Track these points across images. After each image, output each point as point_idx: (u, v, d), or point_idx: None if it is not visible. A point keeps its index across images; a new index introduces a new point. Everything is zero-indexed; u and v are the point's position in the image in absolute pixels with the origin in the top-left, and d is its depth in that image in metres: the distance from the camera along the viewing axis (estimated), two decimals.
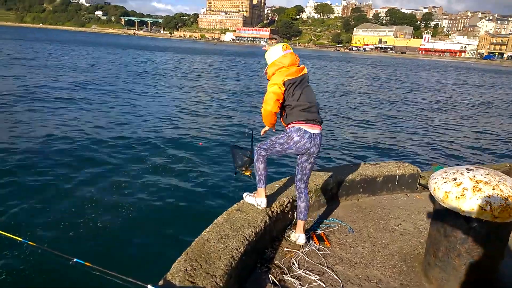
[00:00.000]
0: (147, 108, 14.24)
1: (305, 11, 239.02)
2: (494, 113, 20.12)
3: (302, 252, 2.98)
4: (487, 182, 2.44)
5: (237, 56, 63.44)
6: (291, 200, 3.35)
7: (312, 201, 3.70)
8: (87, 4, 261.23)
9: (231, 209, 2.99)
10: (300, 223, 3.10)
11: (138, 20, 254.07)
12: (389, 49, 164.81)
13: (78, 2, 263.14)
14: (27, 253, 4.32)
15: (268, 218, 2.95)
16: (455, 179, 2.54)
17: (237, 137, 10.59)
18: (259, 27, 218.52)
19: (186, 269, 2.12)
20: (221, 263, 2.23)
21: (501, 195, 2.35)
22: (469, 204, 2.39)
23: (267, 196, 3.12)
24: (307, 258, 2.91)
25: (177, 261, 2.21)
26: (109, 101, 14.76)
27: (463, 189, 2.45)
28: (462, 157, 10.61)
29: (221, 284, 2.07)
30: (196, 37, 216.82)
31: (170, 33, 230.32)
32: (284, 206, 3.27)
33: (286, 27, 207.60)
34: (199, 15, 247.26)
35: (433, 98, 24.10)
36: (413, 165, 4.72)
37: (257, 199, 3.09)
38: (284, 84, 2.85)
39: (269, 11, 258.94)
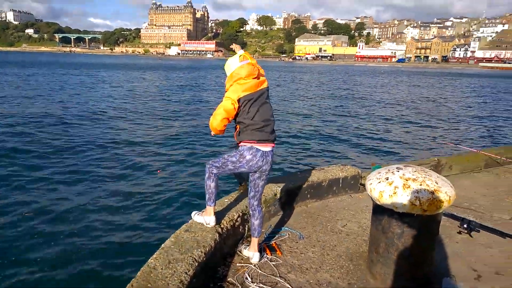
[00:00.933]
0: (93, 134, 13.64)
1: (248, 24, 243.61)
2: (423, 111, 21.70)
3: (254, 266, 3.01)
4: (415, 179, 2.64)
5: (185, 70, 63.00)
6: (241, 214, 3.38)
7: (262, 212, 3.77)
8: (16, 22, 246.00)
9: (179, 230, 2.96)
10: (254, 241, 3.07)
11: (75, 37, 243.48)
12: (328, 57, 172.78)
13: (5, 20, 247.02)
14: None
15: (218, 235, 2.96)
16: (387, 178, 2.73)
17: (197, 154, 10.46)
18: (205, 40, 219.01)
19: None
20: None
21: (427, 189, 2.56)
22: (401, 200, 2.57)
23: (216, 213, 3.13)
24: (260, 271, 2.95)
25: None
26: (50, 131, 13.95)
27: (394, 187, 2.63)
28: (397, 155, 11.37)
29: None
30: (140, 52, 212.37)
31: (111, 49, 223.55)
32: (234, 221, 3.29)
33: (231, 39, 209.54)
34: (141, 29, 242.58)
35: (368, 102, 25.49)
36: (354, 167, 4.96)
37: (205, 218, 3.04)
38: (239, 101, 2.79)
39: (213, 24, 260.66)
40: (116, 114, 17.64)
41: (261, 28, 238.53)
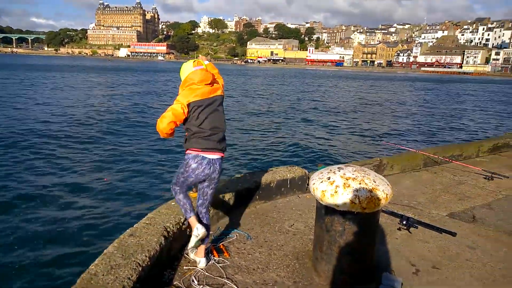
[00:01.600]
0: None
1: (200, 26, 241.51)
2: (367, 114, 22.86)
3: (201, 268, 2.99)
4: (354, 178, 2.78)
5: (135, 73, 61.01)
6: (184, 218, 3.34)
7: (211, 214, 3.75)
8: None
9: (123, 235, 2.86)
10: (202, 247, 3.01)
11: (16, 37, 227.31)
12: (280, 61, 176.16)
13: None
14: None
15: (164, 239, 2.90)
16: (329, 178, 2.84)
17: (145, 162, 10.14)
18: (155, 42, 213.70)
19: None
20: None
21: (366, 188, 2.70)
22: (342, 199, 2.69)
23: (161, 216, 3.06)
24: (206, 273, 2.93)
25: None
26: None
27: (336, 186, 2.75)
28: (343, 156, 11.90)
29: None
30: (87, 54, 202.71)
31: (56, 50, 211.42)
32: (181, 224, 3.25)
33: (183, 41, 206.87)
34: (88, 30, 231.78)
35: (316, 105, 26.36)
36: (301, 168, 5.09)
37: (193, 230, 2.87)
38: (188, 105, 2.75)
39: (164, 26, 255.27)
40: (58, 120, 16.69)
41: (213, 31, 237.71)
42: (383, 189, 2.72)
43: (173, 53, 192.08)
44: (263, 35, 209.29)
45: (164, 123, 2.73)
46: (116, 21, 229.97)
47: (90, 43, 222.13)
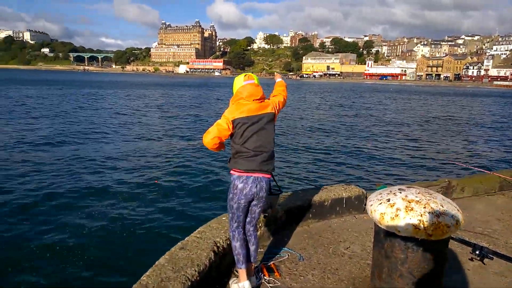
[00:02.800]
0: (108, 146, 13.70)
1: (255, 42, 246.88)
2: (433, 131, 21.46)
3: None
4: (418, 201, 2.54)
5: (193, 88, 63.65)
6: None
7: (261, 232, 3.67)
8: (32, 42, 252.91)
9: (174, 248, 2.87)
10: (250, 266, 2.91)
11: (88, 56, 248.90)
12: (336, 75, 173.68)
13: (22, 39, 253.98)
14: None
15: (213, 254, 2.86)
16: (388, 200, 2.62)
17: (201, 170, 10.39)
18: (212, 59, 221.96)
19: None
20: None
21: (432, 212, 2.45)
22: (404, 224, 2.46)
23: (212, 231, 3.03)
24: None
25: None
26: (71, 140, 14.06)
27: (396, 209, 2.53)
28: (405, 175, 11.11)
29: None
30: (150, 70, 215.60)
31: (123, 68, 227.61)
32: (231, 240, 3.19)
33: (239, 57, 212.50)
34: (151, 49, 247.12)
35: (377, 121, 25.34)
36: (358, 187, 4.84)
37: (239, 284, 2.79)
38: (233, 121, 2.65)
39: (220, 43, 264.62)
40: (119, 130, 17.76)
41: (268, 46, 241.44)
42: (452, 215, 2.45)
43: (229, 69, 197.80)
44: (319, 50, 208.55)
45: (208, 138, 2.67)
46: (177, 40, 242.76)
47: (153, 60, 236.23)
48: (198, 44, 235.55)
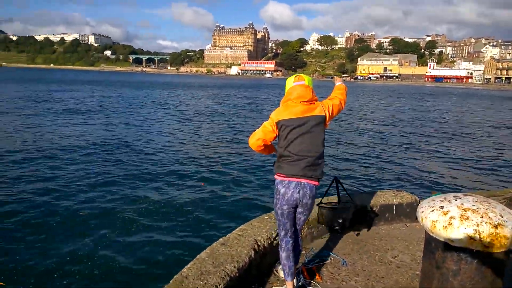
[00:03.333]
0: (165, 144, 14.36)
1: (308, 43, 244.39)
2: (503, 137, 19.75)
3: None
4: (475, 210, 2.34)
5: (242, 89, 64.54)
6: None
7: (304, 233, 3.60)
8: (96, 45, 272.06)
9: (216, 243, 2.91)
10: (290, 283, 2.78)
11: (146, 58, 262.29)
12: (394, 77, 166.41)
13: (87, 42, 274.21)
14: None
15: (254, 252, 2.86)
16: (442, 207, 2.45)
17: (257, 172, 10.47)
18: (264, 60, 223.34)
19: None
20: None
21: (490, 223, 2.24)
22: (457, 233, 2.28)
23: (254, 229, 3.03)
24: None
25: None
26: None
27: (450, 217, 2.35)
28: (464, 184, 10.32)
29: None
30: (202, 72, 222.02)
31: (177, 69, 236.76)
32: (272, 240, 3.17)
33: (291, 59, 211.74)
34: (204, 50, 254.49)
35: (437, 125, 23.87)
36: (411, 193, 4.59)
37: None
38: (277, 123, 2.57)
39: (273, 45, 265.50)
40: (171, 131, 18.45)
41: (322, 47, 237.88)
42: None
43: (280, 70, 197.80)
44: (376, 51, 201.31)
45: (253, 140, 2.64)
46: (230, 41, 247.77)
47: (206, 62, 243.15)
48: (251, 45, 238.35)
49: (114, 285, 4.76)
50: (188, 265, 2.56)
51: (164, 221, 6.82)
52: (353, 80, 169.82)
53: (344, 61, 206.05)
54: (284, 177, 2.55)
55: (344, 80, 3.16)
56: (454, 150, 15.32)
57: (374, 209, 4.20)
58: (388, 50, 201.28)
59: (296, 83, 2.67)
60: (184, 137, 16.06)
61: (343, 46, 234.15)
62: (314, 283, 2.94)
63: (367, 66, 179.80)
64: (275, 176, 2.63)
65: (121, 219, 6.80)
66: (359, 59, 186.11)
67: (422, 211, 2.55)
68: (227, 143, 15.15)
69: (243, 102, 37.00)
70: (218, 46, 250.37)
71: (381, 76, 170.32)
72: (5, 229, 6.24)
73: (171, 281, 2.35)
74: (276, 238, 3.21)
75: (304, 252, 3.46)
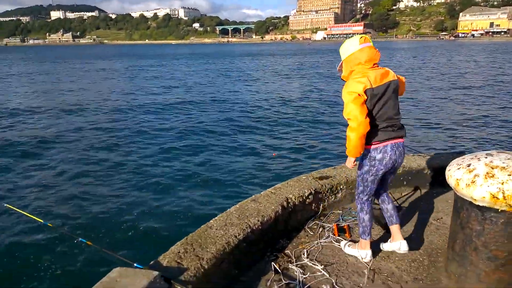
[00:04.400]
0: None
1: (402, 1, 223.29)
2: None
3: (318, 243, 2.97)
4: (504, 167, 2.16)
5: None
6: (313, 192, 3.33)
7: (343, 194, 3.63)
8: (186, 18, 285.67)
9: (247, 200, 3.12)
10: (395, 228, 2.77)
11: (231, 28, 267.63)
12: (502, 33, 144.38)
13: (177, 16, 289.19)
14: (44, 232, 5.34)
15: (281, 208, 3.00)
16: (469, 165, 2.30)
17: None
18: (352, 23, 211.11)
19: (179, 252, 2.32)
20: (213, 247, 2.39)
21: None
22: (480, 192, 2.15)
23: (285, 188, 3.15)
24: (321, 250, 2.90)
25: (175, 245, 2.43)
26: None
27: (474, 175, 2.21)
28: None
29: (206, 266, 2.23)
30: (287, 39, 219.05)
31: (262, 37, 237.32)
32: (304, 198, 3.27)
33: (381, 19, 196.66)
34: (289, 17, 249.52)
35: None
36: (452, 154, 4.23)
37: (360, 251, 2.73)
38: (366, 93, 2.37)
39: (362, 5, 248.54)
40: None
41: (418, 4, 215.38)
42: None
43: (369, 32, 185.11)
44: (481, 4, 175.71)
45: (358, 116, 2.34)
46: (315, 5, 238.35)
47: (291, 28, 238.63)
48: (338, 8, 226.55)
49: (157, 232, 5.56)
50: (216, 217, 2.82)
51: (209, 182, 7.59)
52: (453, 38, 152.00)
53: (443, 18, 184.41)
54: (378, 143, 2.50)
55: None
56: None
57: (426, 171, 3.99)
58: (496, 3, 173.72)
59: (363, 45, 2.48)
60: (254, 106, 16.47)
61: (443, 1, 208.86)
62: (340, 239, 3.00)
63: (469, 22, 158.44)
64: (368, 147, 2.53)
65: (162, 174, 7.94)
66: (460, 14, 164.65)
67: (449, 169, 2.44)
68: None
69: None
70: (303, 11, 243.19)
71: (486, 33, 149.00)
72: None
73: (197, 229, 2.63)
74: (309, 197, 3.31)
75: (340, 211, 3.51)
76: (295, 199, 3.19)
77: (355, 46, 2.49)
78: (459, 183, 2.27)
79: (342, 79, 2.63)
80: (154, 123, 13.15)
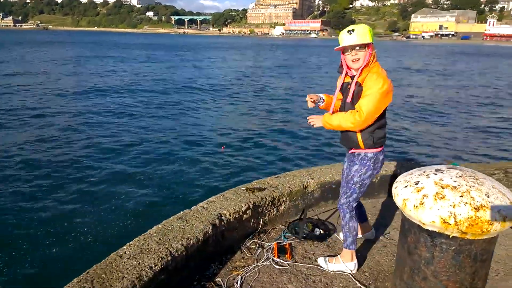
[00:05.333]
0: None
1: (359, 0, 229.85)
2: None
3: (254, 268, 2.60)
4: (455, 187, 1.89)
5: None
6: (251, 205, 2.96)
7: (286, 206, 3.30)
8: (139, 6, 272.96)
9: (173, 217, 2.68)
10: (367, 224, 2.89)
11: (188, 19, 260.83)
12: (450, 35, 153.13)
13: (130, 3, 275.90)
14: None
15: (211, 227, 2.60)
16: (417, 182, 2.02)
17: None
18: (310, 19, 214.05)
19: None
20: (119, 285, 1.95)
21: (470, 204, 1.80)
22: (429, 215, 1.87)
23: (220, 203, 2.77)
24: (257, 276, 2.53)
25: (71, 282, 1.96)
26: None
27: (423, 195, 1.93)
28: (489, 154, 9.22)
29: None
30: (245, 33, 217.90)
31: (219, 30, 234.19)
32: (241, 213, 2.89)
33: (338, 17, 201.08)
34: (248, 10, 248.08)
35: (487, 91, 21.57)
36: (418, 162, 4.07)
37: (347, 264, 2.54)
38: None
39: (320, 2, 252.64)
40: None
41: (373, 4, 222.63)
42: (500, 209, 1.77)
43: (326, 30, 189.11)
44: (432, 6, 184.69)
45: (373, 116, 2.25)
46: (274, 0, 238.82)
47: (249, 22, 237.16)
48: (296, 3, 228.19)
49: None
50: (132, 241, 2.36)
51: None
52: (405, 39, 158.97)
53: (396, 19, 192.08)
54: (377, 150, 2.38)
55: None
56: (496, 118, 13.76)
57: (375, 180, 3.76)
58: (445, 6, 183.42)
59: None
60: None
61: (396, 1, 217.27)
62: (281, 262, 2.66)
63: (420, 23, 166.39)
64: (366, 151, 2.36)
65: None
66: (412, 16, 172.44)
67: (396, 187, 2.14)
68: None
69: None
70: (262, 4, 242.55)
71: (436, 35, 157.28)
72: None
73: (103, 260, 2.16)
74: (247, 212, 2.94)
75: (282, 226, 3.18)
76: (230, 216, 2.80)
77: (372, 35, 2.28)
78: (406, 203, 1.98)
79: (357, 69, 2.29)
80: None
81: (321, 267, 2.60)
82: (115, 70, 26.52)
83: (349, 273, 2.52)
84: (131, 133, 10.31)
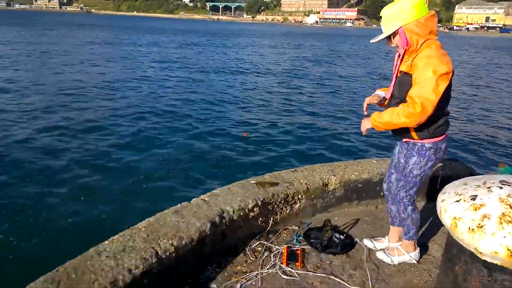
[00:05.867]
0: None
1: None
2: None
3: (257, 275, 2.20)
4: None
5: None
6: (260, 202, 2.54)
7: (301, 205, 2.86)
8: None
9: (168, 210, 2.31)
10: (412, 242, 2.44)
11: (222, 5, 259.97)
12: (497, 28, 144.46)
13: None
14: None
15: (210, 225, 2.21)
16: (474, 197, 1.53)
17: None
18: (346, 8, 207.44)
19: None
20: None
21: None
22: (491, 243, 1.39)
23: (221, 197, 2.38)
24: (260, 284, 2.13)
25: (33, 282, 1.62)
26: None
27: (482, 216, 1.44)
28: None
29: None
30: (278, 20, 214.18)
31: (253, 17, 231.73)
32: (246, 211, 2.48)
33: (376, 6, 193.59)
34: None
35: None
36: (466, 165, 3.51)
37: (411, 254, 2.39)
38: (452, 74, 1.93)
39: None
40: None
41: None
42: None
43: (363, 19, 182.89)
44: None
45: (430, 109, 1.92)
46: None
47: (283, 10, 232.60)
48: None
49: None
50: (116, 236, 2.01)
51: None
52: (448, 30, 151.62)
53: (438, 9, 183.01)
54: (438, 139, 2.11)
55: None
56: None
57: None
58: None
59: (429, 14, 1.95)
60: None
61: None
62: (289, 270, 2.25)
63: (465, 15, 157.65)
64: (424, 141, 2.10)
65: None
66: (456, 7, 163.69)
67: (443, 200, 1.66)
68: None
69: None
70: None
71: (482, 27, 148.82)
72: None
73: (78, 256, 1.82)
74: (254, 209, 2.52)
75: (295, 227, 2.75)
76: (233, 213, 2.40)
77: (423, 10, 1.91)
78: (457, 224, 1.51)
79: (403, 54, 2.03)
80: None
81: (384, 262, 2.40)
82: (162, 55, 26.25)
83: (414, 261, 2.38)
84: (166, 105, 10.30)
